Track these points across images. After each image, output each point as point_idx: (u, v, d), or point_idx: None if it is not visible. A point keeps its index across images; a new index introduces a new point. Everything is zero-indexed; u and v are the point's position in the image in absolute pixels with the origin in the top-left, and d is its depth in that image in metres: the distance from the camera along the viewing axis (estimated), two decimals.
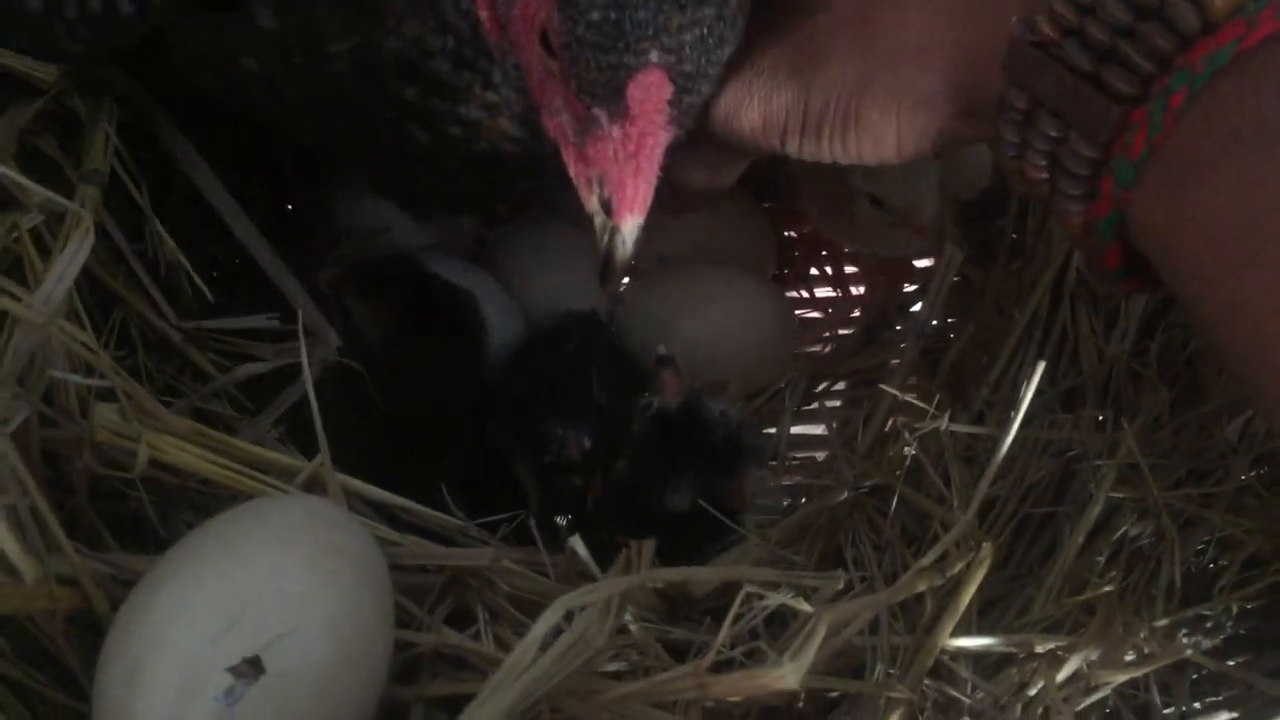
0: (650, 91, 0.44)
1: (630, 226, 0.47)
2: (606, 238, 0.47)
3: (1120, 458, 0.47)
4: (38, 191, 0.44)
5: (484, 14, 0.47)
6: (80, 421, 0.42)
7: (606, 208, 0.47)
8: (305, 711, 0.36)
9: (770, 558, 0.48)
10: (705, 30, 0.44)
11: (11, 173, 0.45)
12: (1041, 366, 0.44)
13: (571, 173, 0.48)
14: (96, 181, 0.50)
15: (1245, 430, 0.50)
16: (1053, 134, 0.40)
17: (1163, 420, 0.52)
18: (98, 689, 0.37)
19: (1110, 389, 0.56)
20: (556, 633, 0.38)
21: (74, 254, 0.42)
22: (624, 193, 0.46)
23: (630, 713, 0.39)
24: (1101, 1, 0.38)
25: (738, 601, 0.36)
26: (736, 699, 0.39)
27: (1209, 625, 0.46)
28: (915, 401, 0.50)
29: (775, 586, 0.39)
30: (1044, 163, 0.41)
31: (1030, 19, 0.39)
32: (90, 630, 0.40)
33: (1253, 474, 0.49)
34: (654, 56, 0.43)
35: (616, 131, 0.45)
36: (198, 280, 0.52)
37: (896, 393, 0.51)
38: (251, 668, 0.35)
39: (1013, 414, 0.44)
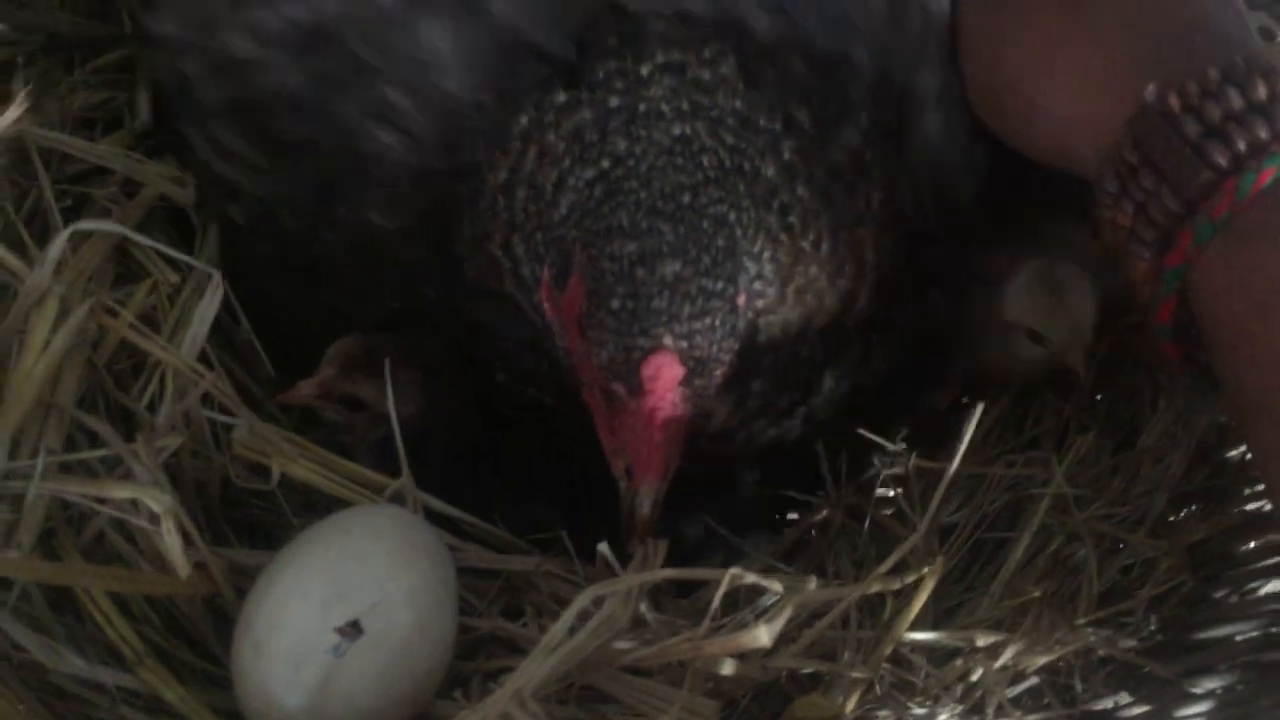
0: (662, 371, 0.49)
1: (647, 491, 0.52)
2: (628, 500, 0.53)
3: (1052, 489, 0.57)
4: (177, 256, 0.56)
5: (547, 306, 0.54)
6: (215, 451, 0.54)
7: (628, 474, 0.53)
8: (392, 664, 0.46)
9: (763, 566, 0.58)
10: (715, 320, 0.49)
11: (152, 242, 0.57)
12: (979, 409, 0.54)
13: (602, 442, 0.53)
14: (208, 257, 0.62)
15: (1165, 472, 0.60)
16: (1148, 187, 0.47)
17: (1102, 462, 0.62)
18: (234, 657, 0.47)
19: (1065, 439, 0.66)
20: (586, 618, 0.48)
21: (207, 308, 0.54)
22: (641, 462, 0.52)
23: (641, 683, 0.49)
24: (1224, 90, 0.46)
25: (725, 579, 0.46)
26: (730, 673, 0.49)
27: (1129, 627, 0.56)
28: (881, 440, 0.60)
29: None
30: (1131, 211, 0.48)
31: (1163, 90, 0.47)
32: (218, 612, 0.51)
33: (1169, 507, 0.59)
34: (666, 341, 0.48)
35: (635, 407, 0.50)
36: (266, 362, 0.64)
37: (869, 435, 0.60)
38: (353, 629, 0.45)
39: (957, 447, 0.54)
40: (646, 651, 0.47)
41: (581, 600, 0.46)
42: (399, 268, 0.59)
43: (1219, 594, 0.59)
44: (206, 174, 0.62)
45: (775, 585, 0.47)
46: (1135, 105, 0.48)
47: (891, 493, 0.61)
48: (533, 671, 0.46)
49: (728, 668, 0.48)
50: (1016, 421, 0.68)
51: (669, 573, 0.50)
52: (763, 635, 0.44)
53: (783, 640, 0.51)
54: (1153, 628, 0.57)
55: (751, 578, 0.47)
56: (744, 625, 0.47)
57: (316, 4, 0.57)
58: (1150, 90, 0.48)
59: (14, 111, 0.52)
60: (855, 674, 0.51)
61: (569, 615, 0.45)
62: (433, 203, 0.58)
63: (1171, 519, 0.60)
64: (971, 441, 0.64)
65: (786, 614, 0.45)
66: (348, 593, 0.46)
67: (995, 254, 0.66)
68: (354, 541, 0.49)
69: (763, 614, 0.50)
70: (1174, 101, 0.47)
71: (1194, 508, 0.62)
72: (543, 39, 0.56)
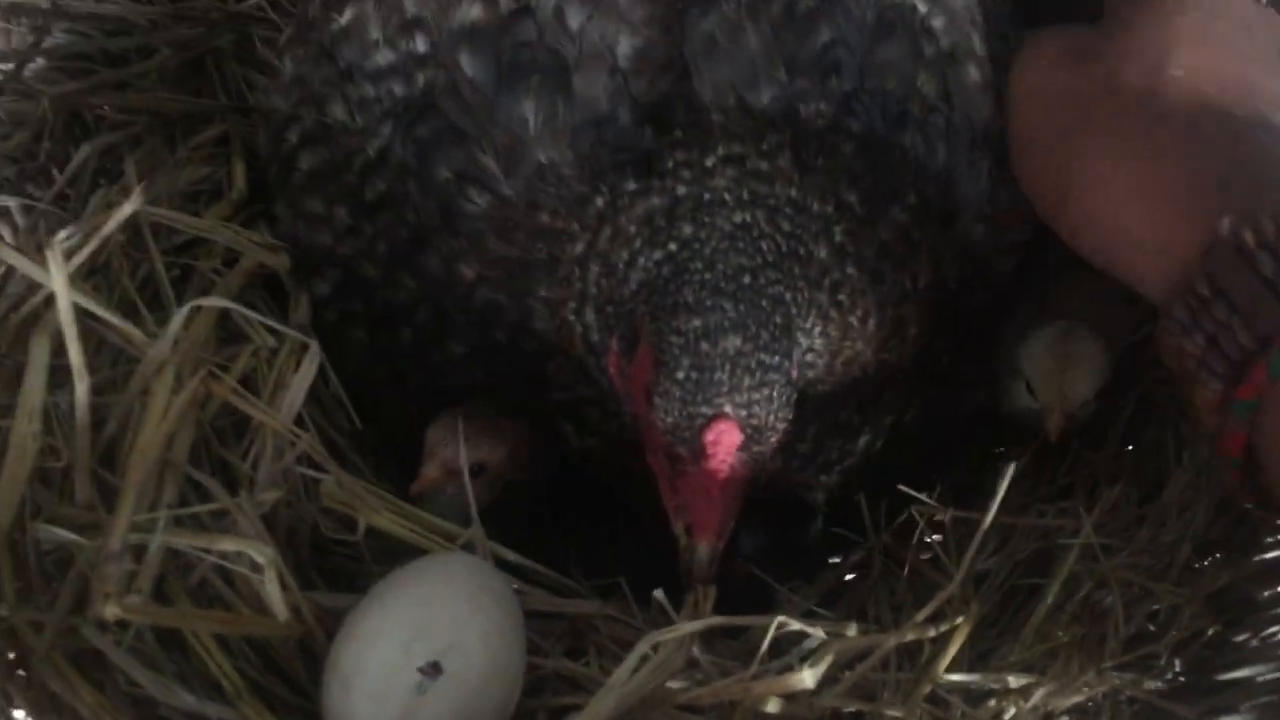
0: (723, 437, 0.54)
1: (704, 548, 0.57)
2: (687, 555, 0.58)
3: (1082, 539, 0.61)
4: (278, 328, 0.62)
5: (614, 373, 0.60)
6: (306, 503, 0.59)
7: (688, 531, 0.58)
8: (468, 701, 0.51)
9: (805, 610, 0.63)
10: (773, 392, 0.54)
11: (254, 314, 0.63)
12: (1012, 468, 0.58)
13: (664, 500, 0.58)
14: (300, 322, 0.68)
15: (1190, 523, 0.64)
16: (1220, 319, 0.47)
17: (1129, 513, 0.66)
18: (324, 694, 0.52)
19: (1095, 490, 0.70)
20: (644, 660, 0.53)
21: (304, 378, 0.59)
22: (700, 520, 0.57)
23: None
24: None
25: (772, 628, 0.50)
26: (777, 711, 0.53)
27: (1153, 670, 0.59)
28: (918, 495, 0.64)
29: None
30: (1202, 342, 0.48)
31: (1237, 225, 0.47)
32: (309, 651, 0.56)
33: (1194, 555, 0.63)
34: (727, 409, 0.53)
35: (696, 469, 0.55)
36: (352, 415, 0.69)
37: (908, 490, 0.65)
38: (433, 669, 0.50)
39: (992, 502, 0.58)
40: (699, 691, 0.51)
41: (642, 646, 0.51)
42: (475, 310, 0.65)
43: (1240, 638, 0.63)
44: (295, 246, 0.68)
45: (819, 632, 0.52)
46: (1208, 237, 0.49)
47: (930, 538, 0.65)
48: (597, 710, 0.51)
49: (774, 706, 0.53)
50: (1050, 472, 0.72)
51: (720, 620, 0.55)
52: (807, 678, 0.49)
53: (826, 681, 0.56)
54: (1177, 670, 0.61)
55: (795, 625, 0.51)
56: (789, 668, 0.51)
57: (419, 76, 0.63)
58: (1225, 224, 0.48)
59: (131, 197, 0.58)
60: (894, 713, 0.55)
61: (632, 659, 0.50)
62: (514, 256, 0.63)
63: (1196, 566, 0.63)
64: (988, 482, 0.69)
65: (829, 659, 0.49)
66: (426, 635, 0.51)
67: (1028, 303, 0.71)
68: (430, 587, 0.54)
69: (807, 657, 0.54)
70: (1249, 237, 0.47)
71: (1217, 556, 0.65)
72: (621, 119, 0.61)
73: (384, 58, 0.65)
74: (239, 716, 0.53)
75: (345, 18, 0.66)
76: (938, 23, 0.66)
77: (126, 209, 0.58)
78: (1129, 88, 0.56)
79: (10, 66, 0.71)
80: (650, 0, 0.62)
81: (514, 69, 0.62)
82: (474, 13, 0.63)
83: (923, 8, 0.66)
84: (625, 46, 0.62)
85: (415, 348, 0.67)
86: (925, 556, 0.66)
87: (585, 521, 0.68)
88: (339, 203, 0.67)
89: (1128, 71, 0.56)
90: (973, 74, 0.67)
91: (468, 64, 0.62)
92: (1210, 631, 0.61)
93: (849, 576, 0.70)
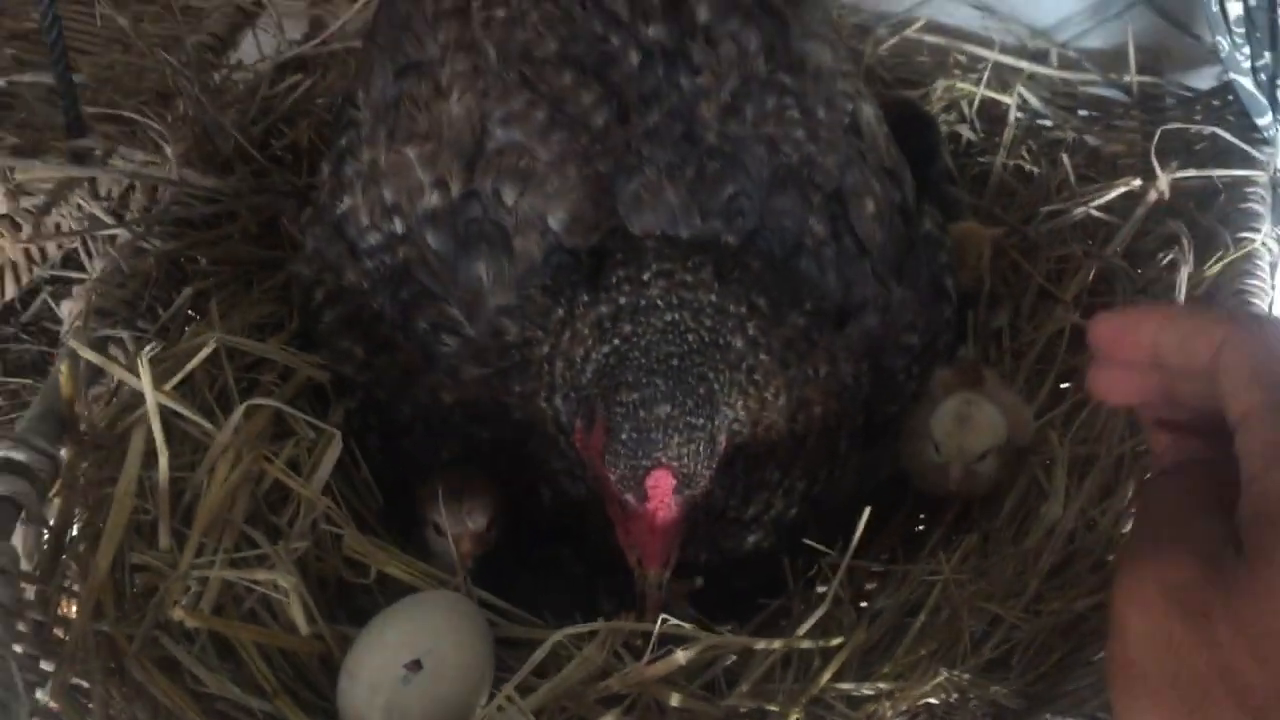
0: (660, 482, 0.68)
1: (653, 574, 0.71)
2: (640, 584, 0.72)
3: (944, 576, 0.76)
4: (313, 422, 0.81)
5: (579, 445, 0.74)
6: (333, 554, 0.77)
7: (639, 563, 0.71)
8: (441, 692, 0.67)
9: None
10: (699, 446, 0.68)
11: (297, 412, 0.82)
12: (866, 513, 0.73)
13: (620, 540, 0.72)
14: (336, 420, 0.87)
15: (1037, 563, 0.78)
16: None
17: (993, 556, 0.81)
18: (338, 693, 0.70)
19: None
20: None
21: (329, 459, 0.78)
22: (648, 552, 0.71)
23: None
24: None
25: (656, 627, 0.67)
26: (678, 705, 0.69)
27: (1004, 680, 0.73)
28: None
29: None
30: None
31: None
32: (330, 666, 0.73)
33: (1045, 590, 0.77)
34: (662, 460, 0.68)
35: (641, 511, 0.69)
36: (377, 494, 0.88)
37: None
38: (415, 665, 0.67)
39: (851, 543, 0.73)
40: (606, 682, 0.67)
41: (555, 637, 0.68)
42: (457, 424, 0.82)
43: (1095, 658, 0.75)
44: (333, 379, 0.88)
45: (700, 633, 0.68)
46: None
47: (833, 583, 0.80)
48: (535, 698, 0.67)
49: (675, 700, 0.68)
50: (956, 538, 0.86)
51: (626, 625, 0.70)
52: (679, 658, 0.65)
53: (731, 685, 0.72)
54: (1026, 681, 0.74)
55: (674, 621, 0.67)
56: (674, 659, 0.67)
57: (399, 251, 0.82)
58: None
59: (212, 332, 0.78)
60: (785, 713, 0.70)
61: (540, 652, 0.67)
62: (487, 373, 0.80)
63: (1045, 601, 0.77)
64: (912, 546, 0.83)
65: (699, 646, 0.66)
66: (411, 643, 0.69)
67: (944, 375, 0.87)
68: (420, 612, 0.72)
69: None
70: None
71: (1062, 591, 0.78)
72: (554, 263, 0.78)
73: (374, 238, 0.84)
74: (275, 709, 0.70)
75: (344, 205, 0.86)
76: (830, 165, 0.83)
77: (209, 343, 0.79)
78: (1250, 688, 0.43)
79: (128, 233, 0.93)
80: (578, 180, 0.79)
81: (467, 240, 0.80)
82: (434, 200, 0.81)
83: (818, 159, 0.83)
84: (557, 214, 0.79)
85: (415, 453, 0.84)
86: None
87: (544, 562, 0.84)
88: (356, 343, 0.85)
89: (1243, 662, 0.43)
90: (868, 207, 0.85)
91: (432, 240, 0.81)
92: (1059, 652, 0.74)
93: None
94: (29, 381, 1.14)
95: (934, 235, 0.93)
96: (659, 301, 0.74)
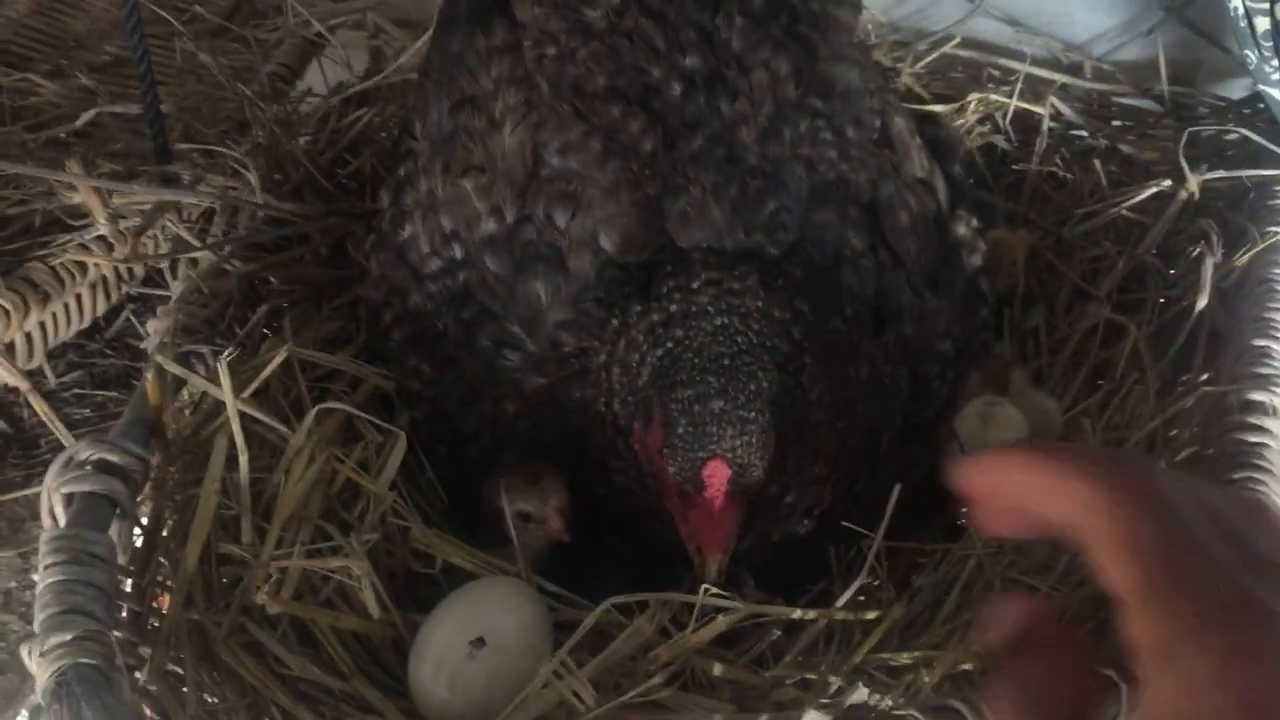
0: (717, 472, 0.73)
1: (713, 561, 0.76)
2: (699, 571, 0.76)
3: (975, 554, 0.80)
4: (381, 425, 0.87)
5: (637, 445, 0.79)
6: (400, 548, 0.83)
7: (699, 551, 0.76)
8: (502, 667, 0.72)
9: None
10: (751, 439, 0.73)
11: (366, 415, 0.88)
12: (896, 490, 0.77)
13: (680, 531, 0.77)
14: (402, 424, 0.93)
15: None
16: None
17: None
18: (409, 670, 0.75)
19: None
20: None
21: (395, 457, 0.84)
22: (707, 540, 0.75)
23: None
24: None
25: (700, 595, 0.72)
26: (720, 675, 0.73)
27: None
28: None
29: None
30: None
31: None
32: (401, 650, 0.79)
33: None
34: (717, 451, 0.73)
35: (700, 500, 0.74)
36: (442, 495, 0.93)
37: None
38: (479, 642, 0.72)
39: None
40: (655, 651, 0.72)
41: (604, 605, 0.73)
42: (521, 433, 0.87)
43: None
44: (398, 389, 0.93)
45: (739, 604, 0.73)
46: None
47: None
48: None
49: (718, 670, 0.73)
50: None
51: (675, 597, 0.75)
52: (721, 623, 0.70)
53: (777, 660, 0.76)
54: None
55: (715, 591, 0.72)
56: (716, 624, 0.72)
57: (459, 275, 0.88)
58: None
59: (285, 346, 0.85)
60: (828, 680, 0.74)
61: (594, 616, 0.72)
62: (548, 383, 0.86)
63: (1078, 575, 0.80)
64: (953, 536, 0.87)
65: (741, 613, 0.72)
66: (475, 623, 0.74)
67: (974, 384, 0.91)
68: (483, 595, 0.77)
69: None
70: None
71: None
72: (607, 278, 0.84)
73: (435, 264, 0.90)
74: (351, 689, 0.75)
75: (405, 233, 0.92)
76: (862, 180, 0.88)
77: (282, 353, 0.85)
78: None
79: (212, 255, 0.99)
80: (629, 204, 0.85)
81: (523, 262, 0.85)
82: (490, 226, 0.87)
83: (850, 176, 0.88)
84: (608, 234, 0.84)
85: (481, 459, 0.90)
86: (875, 582, 0.85)
87: (601, 556, 0.89)
88: (423, 361, 0.92)
89: None
90: (902, 219, 0.89)
91: (491, 264, 0.87)
92: (1091, 623, 0.77)
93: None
94: (114, 394, 1.22)
95: (968, 239, 0.97)
96: (709, 308, 0.79)
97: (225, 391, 0.79)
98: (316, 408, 0.83)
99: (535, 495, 0.84)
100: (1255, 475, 0.78)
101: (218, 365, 0.80)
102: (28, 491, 1.10)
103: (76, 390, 1.23)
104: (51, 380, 1.21)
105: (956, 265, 0.94)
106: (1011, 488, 0.53)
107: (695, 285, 0.81)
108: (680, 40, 0.87)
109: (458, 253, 0.88)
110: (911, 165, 0.94)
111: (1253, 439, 0.81)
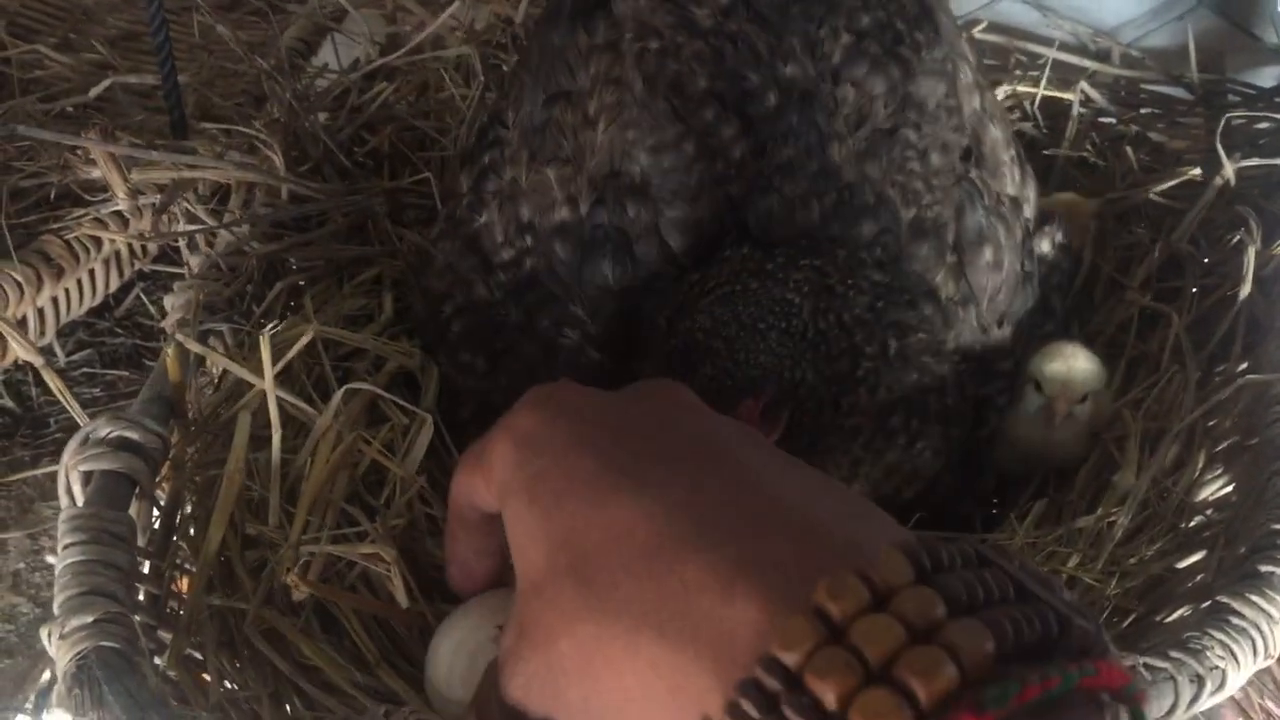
0: (749, 409, 0.74)
1: None
2: None
3: (1018, 541, 0.78)
4: (407, 406, 0.85)
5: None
6: (426, 536, 0.81)
7: None
8: None
9: None
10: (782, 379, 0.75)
11: (392, 396, 0.86)
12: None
13: None
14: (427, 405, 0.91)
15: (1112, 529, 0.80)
16: None
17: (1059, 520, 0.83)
18: (428, 657, 0.73)
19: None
20: None
21: (422, 440, 0.82)
22: None
23: None
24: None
25: None
26: None
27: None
28: None
29: None
30: None
31: None
32: (425, 638, 0.76)
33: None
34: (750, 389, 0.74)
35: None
36: None
37: None
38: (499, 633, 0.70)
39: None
40: None
41: None
42: None
43: (1172, 618, 0.76)
44: (447, 386, 0.91)
45: None
46: None
47: None
48: None
49: None
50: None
51: None
52: None
53: None
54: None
55: None
56: None
57: (524, 264, 0.87)
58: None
59: (307, 324, 0.82)
60: None
61: None
62: (603, 358, 0.85)
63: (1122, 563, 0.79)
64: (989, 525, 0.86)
65: None
66: (497, 616, 0.71)
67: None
68: (495, 598, 0.74)
69: None
70: None
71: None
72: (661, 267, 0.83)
73: (506, 253, 0.89)
74: (375, 680, 0.73)
75: (481, 220, 0.91)
76: (945, 216, 0.87)
77: (310, 332, 0.83)
78: None
79: (232, 235, 0.97)
80: (708, 202, 0.83)
81: (591, 245, 0.84)
82: (564, 213, 0.86)
83: (934, 207, 0.86)
84: (679, 233, 0.83)
85: None
86: None
87: None
88: (479, 354, 0.90)
89: None
90: (985, 255, 0.88)
91: (559, 249, 0.85)
92: (1135, 613, 0.76)
93: None
94: (124, 373, 1.19)
95: (1049, 257, 0.97)
96: (779, 275, 0.78)
97: (265, 362, 0.77)
98: (343, 388, 0.81)
99: None
100: None
101: (260, 339, 0.77)
102: (37, 471, 1.08)
103: (86, 369, 1.20)
104: (61, 358, 1.18)
105: (1031, 289, 0.93)
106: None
107: (769, 266, 0.79)
108: (784, 48, 0.85)
109: (529, 240, 0.87)
110: (1002, 181, 0.92)
111: None
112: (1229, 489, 0.83)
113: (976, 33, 1.32)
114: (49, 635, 0.64)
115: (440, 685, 0.70)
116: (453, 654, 0.69)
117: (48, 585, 1.04)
